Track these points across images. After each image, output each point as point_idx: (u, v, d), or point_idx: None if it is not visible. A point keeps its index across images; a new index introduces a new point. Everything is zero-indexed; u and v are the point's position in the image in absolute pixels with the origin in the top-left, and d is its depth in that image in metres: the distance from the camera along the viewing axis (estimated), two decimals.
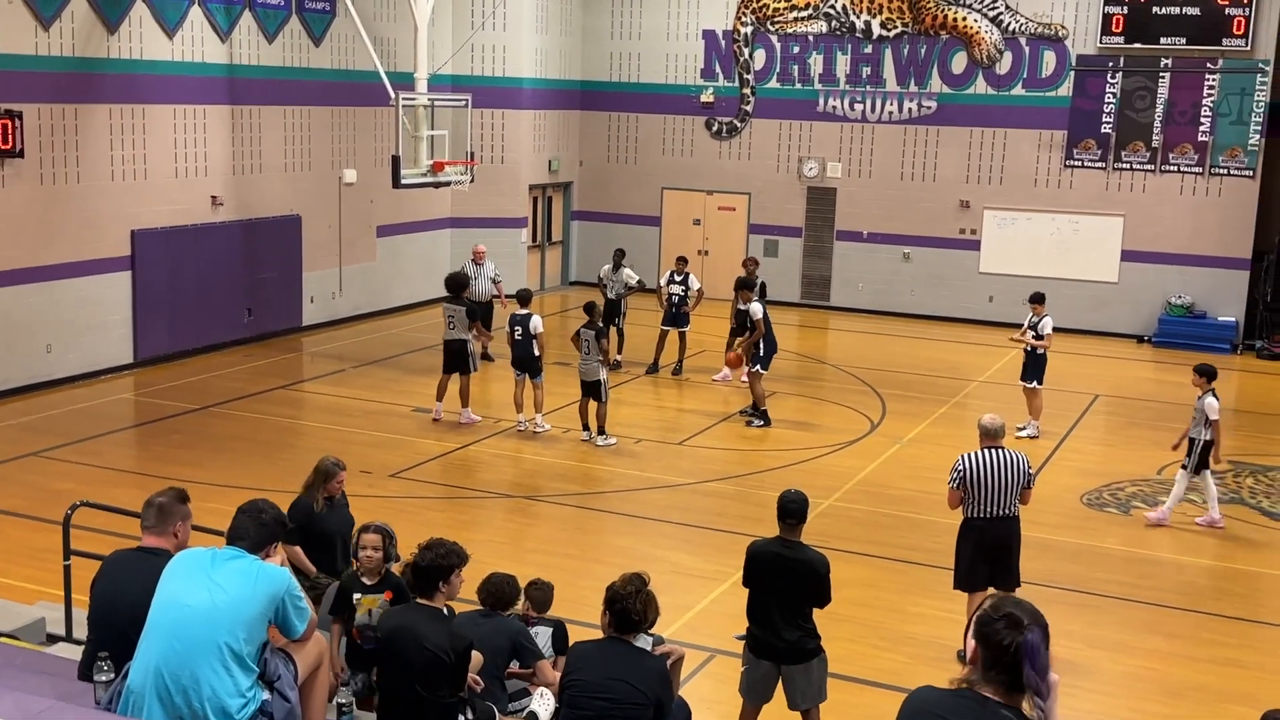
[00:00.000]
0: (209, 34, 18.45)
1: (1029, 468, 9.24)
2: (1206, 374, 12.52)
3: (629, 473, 13.96)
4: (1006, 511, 9.15)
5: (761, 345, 15.85)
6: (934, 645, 9.65)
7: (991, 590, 9.27)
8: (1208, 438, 12.35)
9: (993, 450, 9.13)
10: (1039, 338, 15.64)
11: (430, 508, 12.57)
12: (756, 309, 15.86)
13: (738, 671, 7.81)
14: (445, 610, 5.93)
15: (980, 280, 23.64)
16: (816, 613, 7.47)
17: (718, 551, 11.56)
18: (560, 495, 13.16)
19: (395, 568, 6.87)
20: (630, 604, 5.81)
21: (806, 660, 7.30)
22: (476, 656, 5.83)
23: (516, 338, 15.10)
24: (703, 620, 9.98)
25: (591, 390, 14.77)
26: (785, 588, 7.24)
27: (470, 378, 15.68)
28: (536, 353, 15.02)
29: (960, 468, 9.09)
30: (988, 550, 9.18)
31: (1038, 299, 15.94)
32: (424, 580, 5.86)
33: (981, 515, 9.13)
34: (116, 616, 5.16)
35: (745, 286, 16.31)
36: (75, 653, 6.19)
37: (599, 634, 5.90)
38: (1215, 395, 12.33)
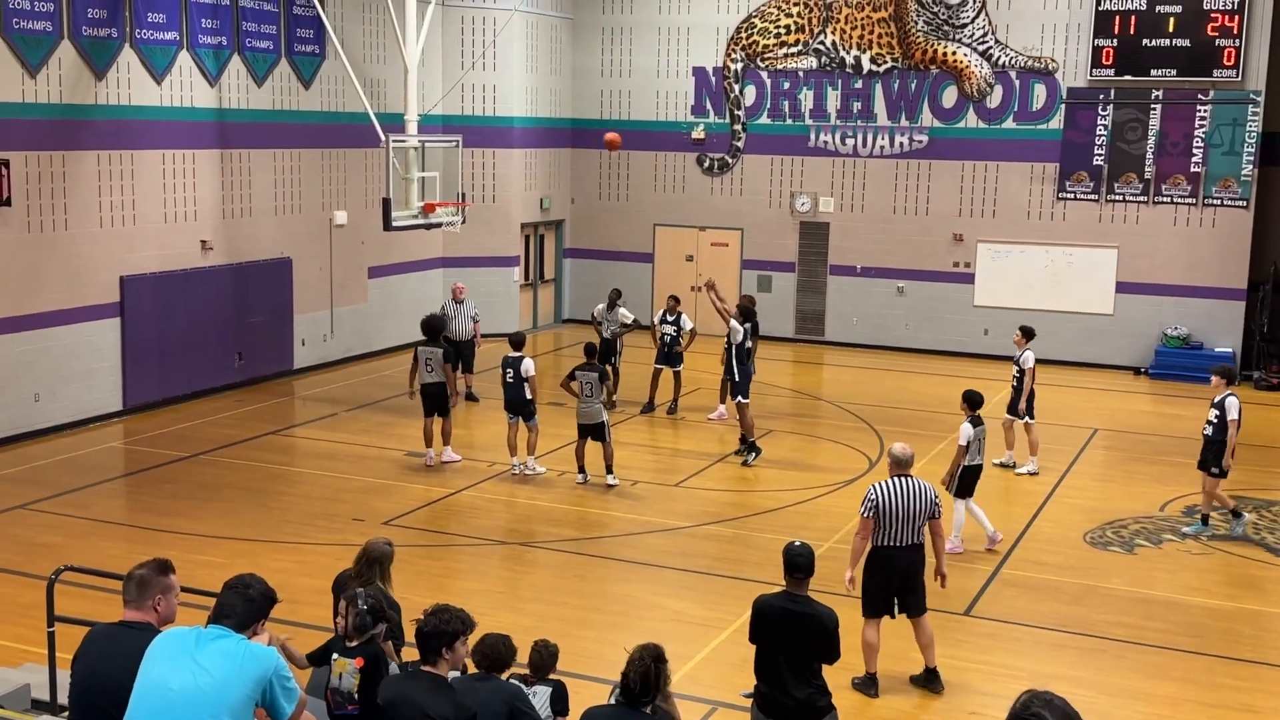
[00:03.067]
0: (198, 79, 18.35)
1: (936, 498, 9.37)
2: (969, 400, 12.66)
3: (626, 516, 13.77)
4: (914, 540, 9.27)
5: (736, 372, 15.82)
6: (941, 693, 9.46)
7: (902, 616, 9.40)
8: (970, 463, 12.38)
9: (902, 479, 9.26)
10: (1020, 373, 15.55)
11: (424, 556, 12.35)
12: (736, 330, 15.90)
13: None
14: (449, 678, 5.77)
15: (975, 313, 23.55)
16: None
17: (718, 597, 11.36)
18: (556, 541, 12.95)
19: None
20: (628, 672, 5.72)
21: (818, 719, 7.10)
22: None
23: (508, 380, 14.96)
24: (704, 670, 9.78)
25: (594, 432, 14.60)
26: (793, 644, 7.05)
27: (451, 417, 15.58)
28: (529, 395, 14.89)
29: (873, 496, 9.21)
30: (896, 578, 9.30)
31: (1025, 333, 15.82)
32: (425, 646, 5.71)
33: (891, 544, 9.23)
34: (98, 698, 4.93)
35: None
36: None
37: (600, 688, 5.75)
38: (972, 422, 12.38)
